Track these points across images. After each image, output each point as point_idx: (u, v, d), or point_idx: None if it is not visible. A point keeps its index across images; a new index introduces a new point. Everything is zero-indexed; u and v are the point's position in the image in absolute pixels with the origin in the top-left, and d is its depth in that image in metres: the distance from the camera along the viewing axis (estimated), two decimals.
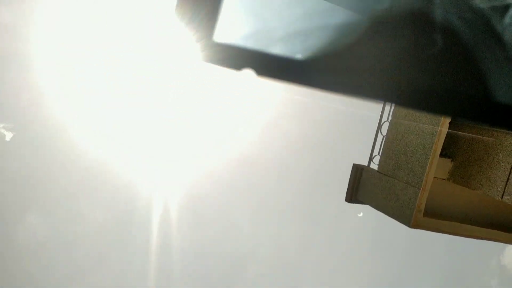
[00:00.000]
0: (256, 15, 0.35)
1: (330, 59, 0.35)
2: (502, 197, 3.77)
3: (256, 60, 0.34)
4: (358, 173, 5.04)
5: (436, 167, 4.11)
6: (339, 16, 0.35)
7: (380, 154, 4.84)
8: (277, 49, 0.34)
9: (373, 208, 4.85)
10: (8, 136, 12.94)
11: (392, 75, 0.34)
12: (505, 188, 3.76)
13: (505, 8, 0.35)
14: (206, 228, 14.76)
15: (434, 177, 4.15)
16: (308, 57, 0.35)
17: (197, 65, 0.35)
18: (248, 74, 0.34)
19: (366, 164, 5.04)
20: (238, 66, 0.34)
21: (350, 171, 5.10)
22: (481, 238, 4.48)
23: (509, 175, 3.74)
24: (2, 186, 13.29)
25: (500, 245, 4.84)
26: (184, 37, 0.35)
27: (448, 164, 4.51)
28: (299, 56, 0.35)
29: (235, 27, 0.34)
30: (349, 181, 5.08)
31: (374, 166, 4.93)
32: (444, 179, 4.51)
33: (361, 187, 5.02)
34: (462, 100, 0.35)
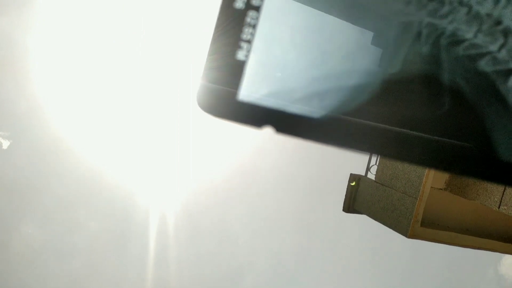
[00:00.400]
0: (277, 77, 0.37)
1: (343, 118, 0.37)
2: (499, 208, 3.79)
3: (276, 119, 0.36)
4: (356, 182, 5.05)
5: (433, 177, 4.13)
6: (354, 78, 0.37)
7: (377, 163, 4.86)
8: (295, 108, 0.37)
9: (370, 218, 4.86)
10: (5, 144, 12.91)
11: (402, 134, 0.37)
12: (501, 199, 3.78)
13: (509, 72, 0.38)
14: (203, 239, 14.72)
15: (431, 187, 4.17)
16: (324, 116, 0.37)
17: (219, 122, 0.37)
18: (268, 131, 0.36)
19: (363, 173, 5.06)
20: (259, 124, 0.36)
21: (347, 181, 5.11)
22: (478, 248, 4.50)
23: (505, 186, 3.76)
24: None
25: (497, 254, 4.85)
26: (208, 94, 0.37)
27: (445, 174, 4.53)
28: (316, 115, 0.37)
29: (257, 87, 0.37)
30: (347, 191, 5.09)
31: (372, 176, 4.95)
32: (441, 189, 4.53)
33: (358, 197, 5.03)
34: (468, 159, 0.37)
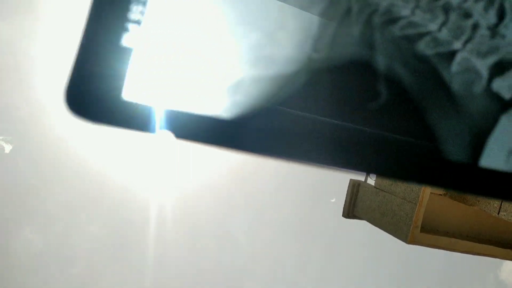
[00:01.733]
0: (174, 67, 0.30)
1: (260, 116, 0.31)
2: (498, 213, 3.75)
3: (174, 121, 0.29)
4: (355, 188, 5.02)
5: None
6: (271, 67, 0.31)
7: None
8: (198, 107, 0.30)
9: (370, 224, 4.82)
10: (7, 148, 12.92)
11: (330, 132, 0.31)
12: (501, 205, 3.73)
13: (451, 54, 0.33)
14: (203, 244, 14.69)
15: (431, 193, 4.13)
16: (236, 116, 0.30)
17: (103, 127, 0.29)
18: (165, 136, 0.29)
19: (363, 179, 5.02)
20: (152, 129, 0.29)
21: (347, 187, 5.08)
22: (478, 254, 4.45)
23: None
24: (0, 199, 13.25)
25: (498, 260, 4.81)
26: (81, 93, 0.30)
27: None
28: (224, 115, 0.30)
29: (147, 83, 0.30)
30: (346, 197, 5.06)
31: (371, 181, 4.92)
32: (441, 195, 4.49)
33: (358, 202, 5.00)
34: (407, 156, 0.32)
